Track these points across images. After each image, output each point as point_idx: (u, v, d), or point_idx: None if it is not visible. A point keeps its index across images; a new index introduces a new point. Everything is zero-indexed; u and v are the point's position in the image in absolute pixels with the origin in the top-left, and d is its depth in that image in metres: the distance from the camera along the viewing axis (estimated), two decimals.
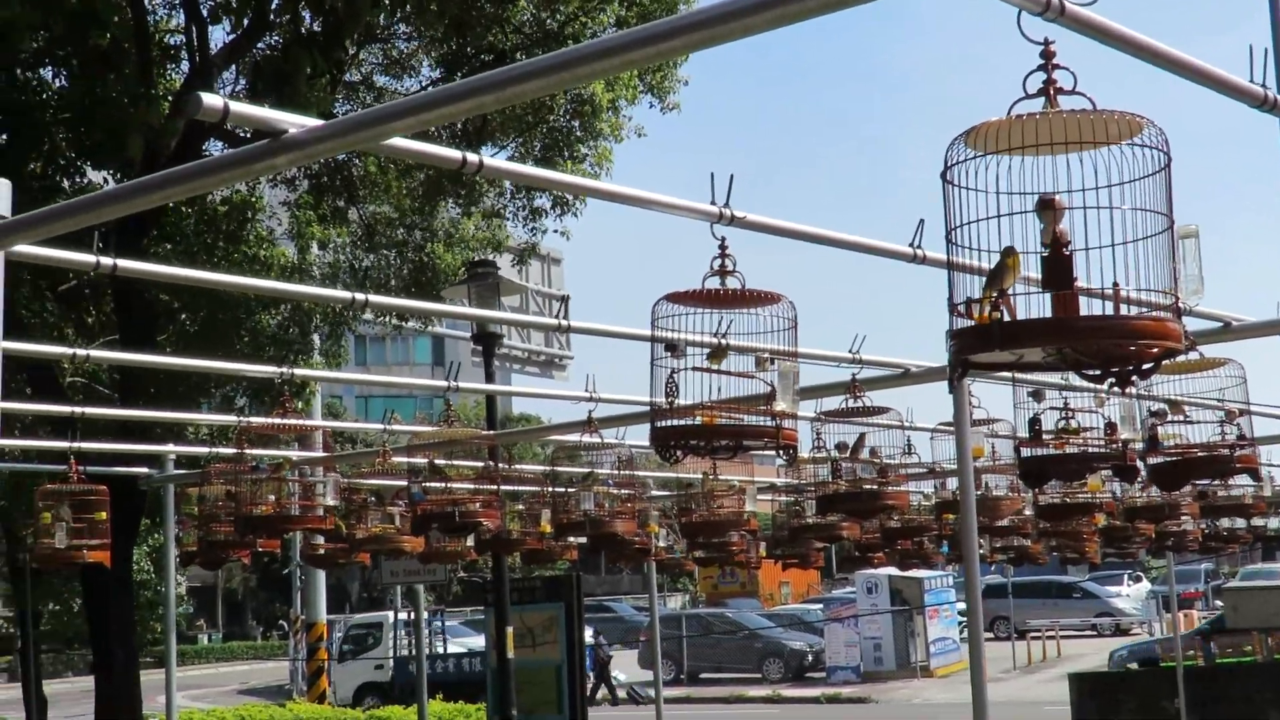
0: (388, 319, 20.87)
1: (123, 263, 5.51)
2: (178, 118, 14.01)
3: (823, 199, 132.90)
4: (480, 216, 20.13)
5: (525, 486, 11.86)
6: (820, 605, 40.51)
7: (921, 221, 5.58)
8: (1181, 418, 6.64)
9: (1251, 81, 4.14)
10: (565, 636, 16.13)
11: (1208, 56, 3.99)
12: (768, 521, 13.23)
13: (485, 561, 19.40)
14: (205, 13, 15.07)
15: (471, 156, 4.31)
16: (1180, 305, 3.34)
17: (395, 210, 19.89)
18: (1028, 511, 10.14)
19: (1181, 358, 3.95)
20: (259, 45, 15.59)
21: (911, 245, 5.65)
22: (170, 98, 15.54)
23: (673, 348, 4.90)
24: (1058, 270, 3.29)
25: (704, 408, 4.95)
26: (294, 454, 9.35)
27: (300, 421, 9.23)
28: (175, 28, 17.41)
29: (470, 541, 11.45)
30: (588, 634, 23.15)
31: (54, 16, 12.19)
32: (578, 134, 18.33)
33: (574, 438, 9.17)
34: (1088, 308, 3.30)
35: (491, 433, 11.10)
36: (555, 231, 20.21)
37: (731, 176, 4.89)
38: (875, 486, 8.05)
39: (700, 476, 10.64)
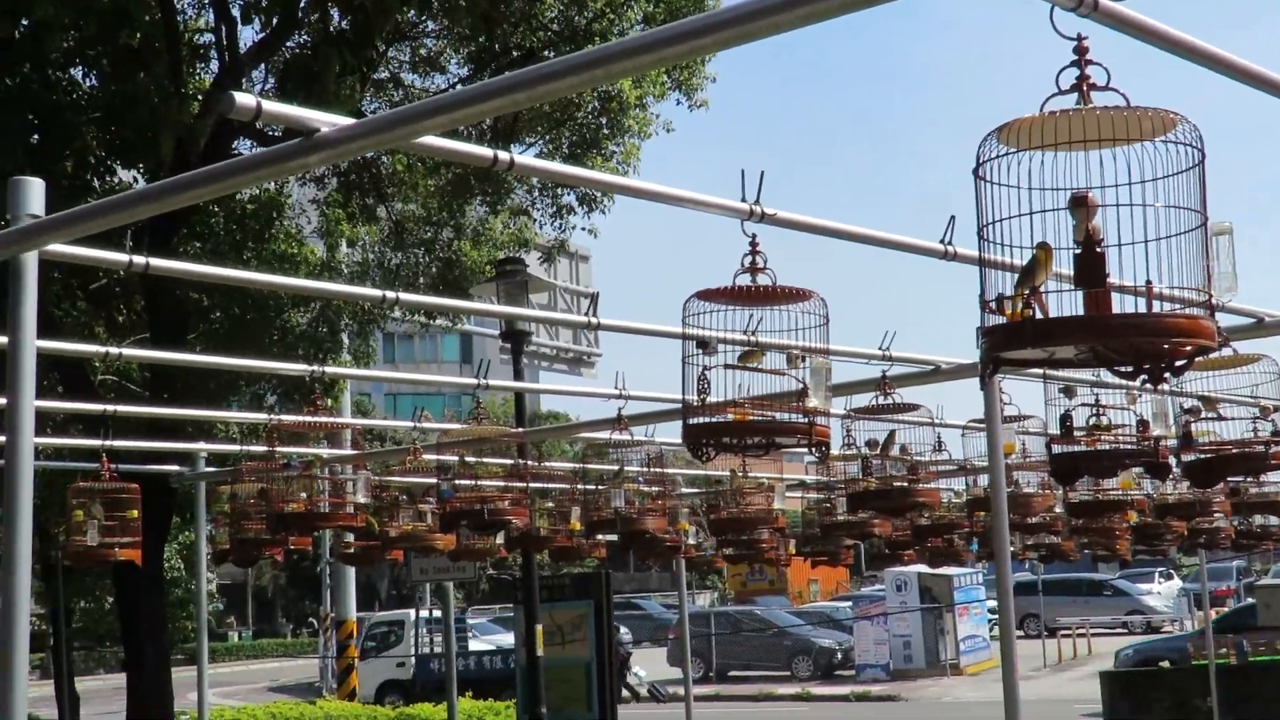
0: (416, 317, 20.91)
1: (155, 261, 5.53)
2: (208, 116, 14.07)
3: (839, 196, 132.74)
4: (507, 214, 20.16)
5: (554, 484, 11.88)
6: (849, 603, 40.47)
7: (952, 218, 5.57)
8: (1215, 414, 6.61)
9: None
10: (594, 634, 16.13)
11: (1231, 51, 3.97)
12: (796, 519, 13.22)
13: (514, 559, 19.40)
14: (235, 12, 15.12)
15: (503, 154, 4.31)
16: (1214, 302, 3.33)
17: (422, 209, 19.94)
18: (1059, 508, 10.11)
19: (1214, 354, 3.92)
20: (288, 44, 15.64)
21: (943, 242, 5.63)
22: (200, 97, 15.60)
23: (704, 345, 4.90)
24: (1090, 267, 3.28)
25: (736, 405, 4.95)
26: (325, 452, 9.39)
27: (331, 419, 9.27)
28: (204, 26, 17.48)
29: (500, 539, 11.47)
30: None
31: (85, 16, 12.24)
32: (605, 131, 18.34)
33: (604, 435, 9.17)
34: (1120, 305, 3.29)
35: (521, 430, 11.11)
36: (583, 229, 20.22)
37: (762, 173, 4.88)
38: (906, 484, 8.03)
39: (729, 474, 10.63)
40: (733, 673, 36.88)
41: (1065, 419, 6.10)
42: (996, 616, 8.16)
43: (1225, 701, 17.78)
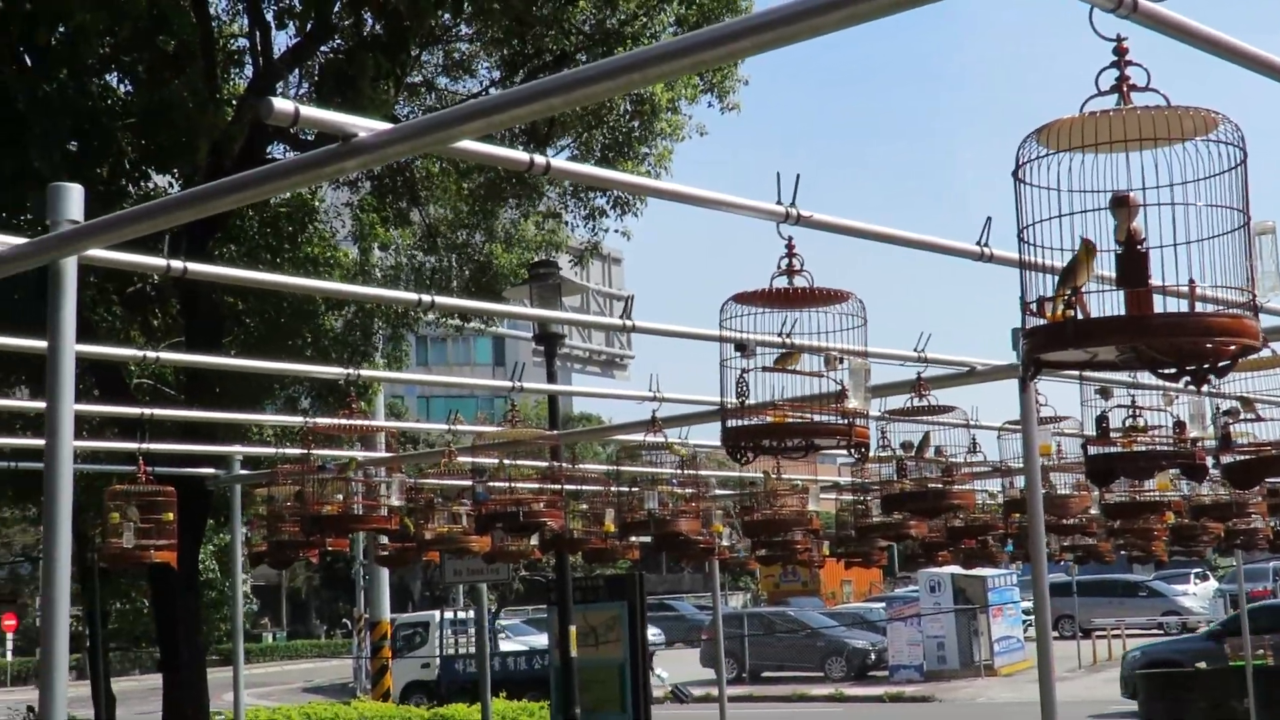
0: (450, 320, 20.95)
1: (193, 266, 5.56)
2: (242, 122, 14.13)
3: (869, 199, 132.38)
4: (539, 217, 20.17)
5: (588, 486, 11.89)
6: (883, 604, 40.35)
7: (989, 220, 5.56)
8: (1254, 415, 6.56)
9: None
10: (628, 635, 16.15)
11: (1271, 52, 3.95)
12: (830, 520, 13.20)
13: (547, 561, 19.44)
14: (269, 17, 15.19)
15: (539, 158, 4.33)
16: (1257, 303, 3.30)
17: (452, 212, 19.98)
18: (1095, 510, 10.06)
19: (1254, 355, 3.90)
20: (322, 49, 15.69)
21: (979, 244, 5.62)
22: (234, 102, 15.66)
23: (743, 348, 4.89)
24: (1132, 267, 3.26)
25: (774, 407, 4.94)
26: (360, 454, 9.43)
27: (367, 423, 9.29)
28: (239, 31, 17.55)
29: (534, 541, 11.49)
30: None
31: (121, 22, 12.31)
32: (637, 134, 18.32)
33: (638, 437, 9.19)
34: (1162, 306, 3.26)
35: (557, 433, 11.13)
36: (616, 231, 20.22)
37: (798, 176, 4.88)
38: (941, 486, 8.01)
39: (762, 475, 10.62)
40: (766, 674, 36.84)
41: (1101, 420, 6.07)
42: (1030, 617, 8.13)
43: (1263, 702, 17.65)
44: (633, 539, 11.23)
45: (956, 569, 29.42)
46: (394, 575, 38.75)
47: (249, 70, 16.54)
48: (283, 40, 16.23)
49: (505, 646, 33.97)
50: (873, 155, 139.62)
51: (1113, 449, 6.14)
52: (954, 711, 29.57)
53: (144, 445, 9.92)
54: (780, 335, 4.99)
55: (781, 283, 4.85)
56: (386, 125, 3.84)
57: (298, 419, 12.70)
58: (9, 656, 53.38)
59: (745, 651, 36.85)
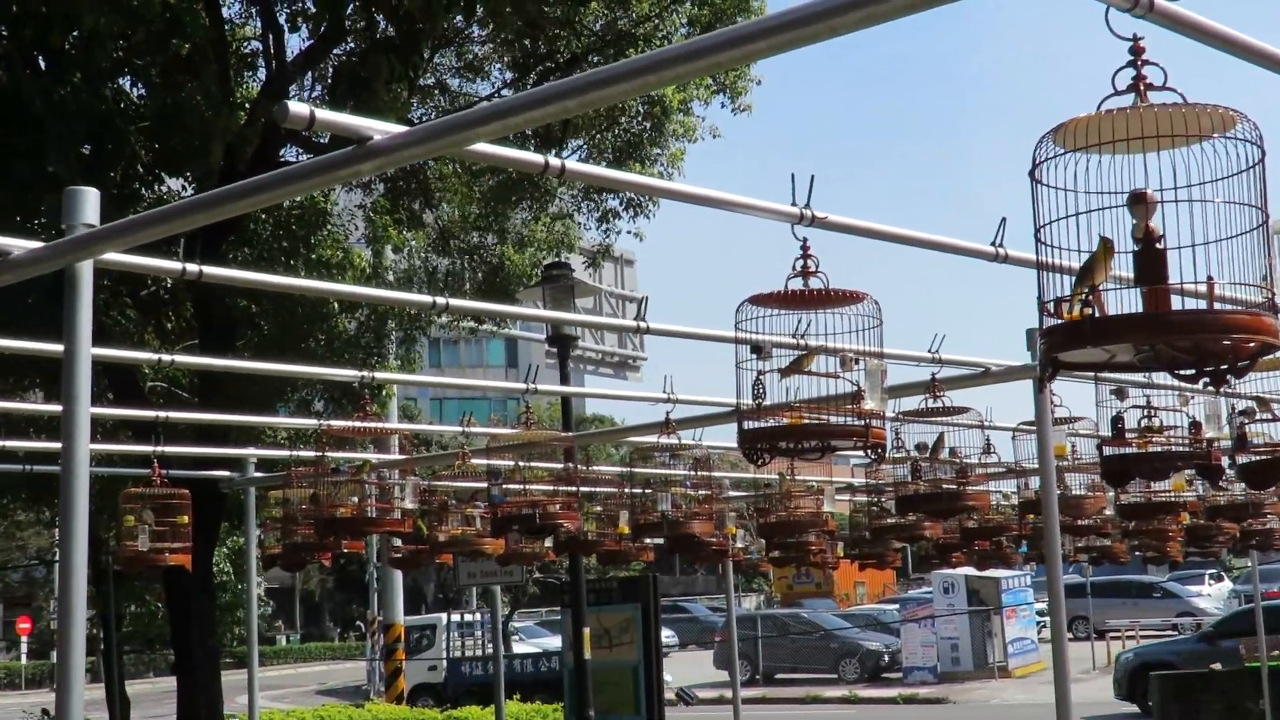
0: (464, 322, 20.96)
1: (208, 269, 5.57)
2: (255, 125, 14.14)
3: (878, 199, 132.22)
4: (549, 219, 20.16)
5: (602, 488, 11.89)
6: (896, 605, 40.29)
7: (1003, 220, 5.55)
8: (1270, 415, 6.55)
9: None
10: (642, 637, 16.14)
11: None
12: (844, 521, 13.18)
13: (560, 562, 19.44)
14: (282, 20, 15.20)
15: (554, 160, 4.33)
16: (1277, 301, 3.28)
17: (462, 215, 19.98)
18: (1109, 511, 10.04)
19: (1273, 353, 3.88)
20: (335, 51, 15.71)
21: (994, 244, 5.61)
22: (247, 105, 15.69)
23: (759, 350, 4.88)
24: (1150, 265, 3.24)
25: (790, 408, 4.93)
26: (374, 457, 9.42)
27: (381, 424, 9.30)
28: (252, 34, 17.57)
29: (548, 543, 11.48)
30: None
31: (134, 26, 12.33)
32: (649, 135, 18.30)
33: (652, 439, 9.18)
34: (1180, 304, 3.25)
35: (571, 434, 11.12)
36: (629, 233, 20.21)
37: (812, 177, 4.87)
38: (955, 487, 8.00)
39: (777, 477, 10.62)
40: (779, 675, 36.80)
41: (1117, 421, 6.06)
42: (1044, 619, 8.12)
43: (1278, 703, 17.58)
44: (646, 541, 11.22)
45: (970, 570, 29.35)
46: (408, 578, 38.78)
47: (262, 73, 16.57)
48: (296, 43, 16.29)
49: (514, 649, 33.97)
50: (884, 156, 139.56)
51: (1128, 450, 6.13)
52: (968, 713, 29.51)
53: (159, 448, 9.94)
54: (795, 336, 4.99)
55: (797, 284, 4.84)
56: (402, 128, 3.84)
57: (312, 421, 12.72)
58: (24, 660, 53.53)
59: (759, 653, 36.81)
